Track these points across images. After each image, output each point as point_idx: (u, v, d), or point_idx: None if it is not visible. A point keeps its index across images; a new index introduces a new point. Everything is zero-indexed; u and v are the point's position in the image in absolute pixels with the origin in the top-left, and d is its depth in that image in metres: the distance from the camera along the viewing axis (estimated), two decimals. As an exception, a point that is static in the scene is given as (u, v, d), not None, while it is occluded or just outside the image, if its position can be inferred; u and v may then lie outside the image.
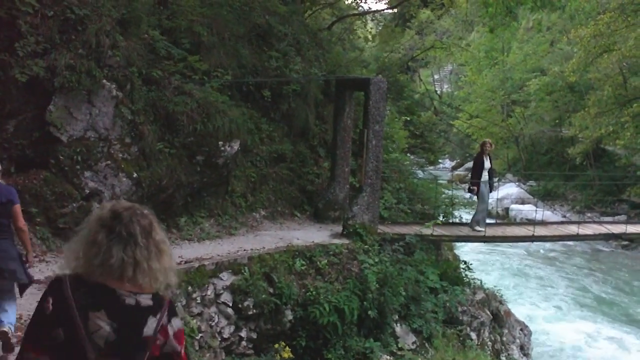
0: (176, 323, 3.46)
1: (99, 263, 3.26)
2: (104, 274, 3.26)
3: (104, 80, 12.97)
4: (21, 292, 8.12)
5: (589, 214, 36.23)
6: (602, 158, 42.01)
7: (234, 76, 16.74)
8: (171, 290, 3.50)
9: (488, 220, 18.62)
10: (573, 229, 19.34)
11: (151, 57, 14.56)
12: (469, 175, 19.43)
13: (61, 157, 12.59)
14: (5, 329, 7.76)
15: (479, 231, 17.74)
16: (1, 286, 7.90)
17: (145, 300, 3.33)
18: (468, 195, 22.16)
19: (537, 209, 28.32)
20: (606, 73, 37.72)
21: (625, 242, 32.10)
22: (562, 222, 23.21)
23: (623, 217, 30.84)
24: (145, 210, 3.47)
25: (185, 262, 12.38)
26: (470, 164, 50.61)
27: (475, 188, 17.53)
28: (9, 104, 12.36)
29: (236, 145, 15.26)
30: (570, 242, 30.94)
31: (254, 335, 13.01)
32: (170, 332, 3.42)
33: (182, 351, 3.49)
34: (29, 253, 8.21)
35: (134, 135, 13.52)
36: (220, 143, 14.84)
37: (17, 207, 7.94)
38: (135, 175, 13.38)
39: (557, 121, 46.36)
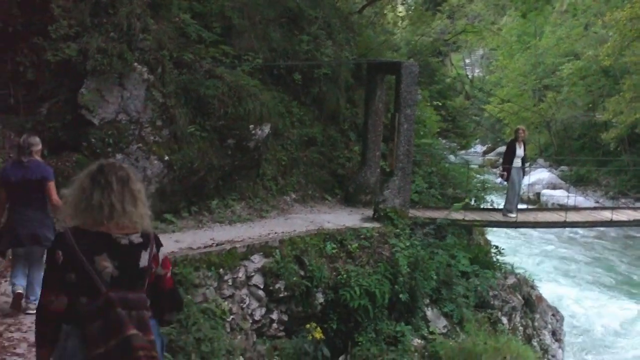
0: (162, 252, 4.35)
1: (84, 207, 4.08)
2: (92, 220, 4.07)
3: (136, 64, 13.02)
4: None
5: (622, 200, 35.85)
6: (637, 143, 41.40)
7: (265, 60, 16.71)
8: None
9: (520, 206, 18.45)
10: (606, 215, 19.08)
11: (182, 40, 14.57)
12: (500, 160, 19.29)
13: (93, 140, 12.69)
14: (20, 291, 8.72)
15: (511, 217, 17.60)
16: (35, 253, 8.83)
17: (136, 238, 4.17)
18: (499, 180, 22.03)
19: (569, 195, 27.97)
20: (642, 57, 37.12)
21: (661, 229, 31.71)
22: (595, 208, 22.90)
23: (658, 203, 30.44)
24: (125, 165, 4.35)
25: (217, 245, 12.44)
26: (501, 149, 50.33)
27: (505, 174, 17.38)
28: (42, 86, 12.50)
29: (267, 129, 15.26)
30: (603, 228, 30.55)
31: (285, 318, 13.04)
32: (160, 259, 4.33)
33: (169, 274, 4.43)
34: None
35: (165, 118, 13.57)
36: (251, 126, 14.84)
37: (51, 184, 8.76)
38: (166, 157, 13.43)
39: (590, 106, 45.75)
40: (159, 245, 4.32)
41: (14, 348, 7.37)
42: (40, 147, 9.07)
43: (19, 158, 8.83)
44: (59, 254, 4.03)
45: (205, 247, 12.26)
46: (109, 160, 4.38)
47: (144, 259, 4.16)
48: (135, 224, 4.18)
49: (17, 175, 8.64)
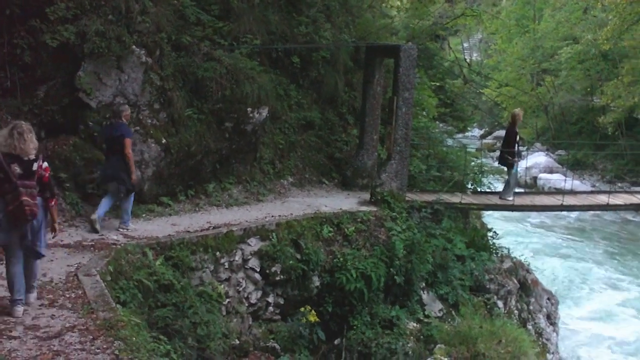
0: (45, 164, 8.17)
1: (6, 144, 7.84)
2: (11, 149, 7.82)
3: (134, 46, 13.01)
4: (126, 196, 12.03)
5: (619, 184, 35.91)
6: (634, 127, 41.40)
7: (263, 42, 16.67)
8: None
9: (516, 189, 18.48)
10: (603, 199, 19.12)
11: (180, 23, 14.53)
12: (497, 144, 19.29)
13: (90, 123, 12.72)
14: (94, 217, 11.73)
15: (508, 200, 17.64)
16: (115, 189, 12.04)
17: (32, 157, 7.98)
18: (496, 163, 22.03)
19: (566, 179, 28.01)
20: (642, 40, 37.02)
21: (656, 213, 31.84)
22: (591, 192, 22.91)
23: (654, 188, 30.49)
24: (24, 123, 8.14)
25: (214, 228, 12.49)
26: (498, 133, 50.32)
27: (510, 158, 17.30)
28: (40, 69, 12.47)
29: (265, 112, 15.26)
30: (600, 212, 30.63)
31: (281, 301, 13.12)
32: (43, 167, 8.11)
33: (47, 174, 8.15)
34: (133, 173, 12.02)
35: (162, 101, 13.58)
36: (249, 109, 14.84)
37: (127, 141, 11.85)
38: (164, 141, 13.45)
39: (588, 90, 45.69)
40: (44, 160, 8.19)
41: (10, 331, 7.41)
42: (128, 112, 12.30)
43: (111, 121, 12.27)
44: None
45: (202, 230, 12.31)
46: (17, 122, 8.17)
47: (35, 166, 7.99)
48: (30, 150, 7.93)
49: (107, 133, 12.06)
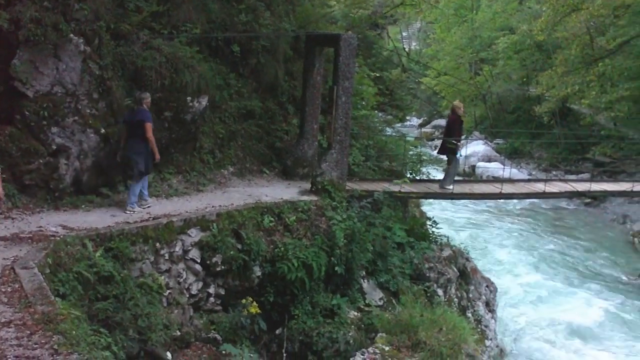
0: None
1: None
2: None
3: (71, 35, 12.76)
4: (137, 177, 13.02)
5: (554, 172, 36.69)
6: (567, 117, 42.35)
7: (203, 31, 16.51)
8: None
9: (455, 178, 18.74)
10: (540, 187, 19.56)
11: (119, 11, 14.32)
12: (436, 133, 19.53)
13: (27, 113, 12.45)
14: (130, 208, 12.85)
15: (447, 189, 17.87)
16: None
17: None
18: (435, 152, 22.32)
19: (504, 167, 28.51)
20: (574, 32, 37.78)
21: (588, 200, 32.63)
22: (529, 180, 23.44)
23: (586, 175, 31.28)
24: None
25: (153, 219, 12.40)
26: (437, 122, 50.83)
27: (453, 147, 17.54)
28: (-29, 56, 12.15)
29: (204, 101, 15.16)
30: (536, 200, 31.31)
31: (222, 292, 13.09)
32: None
33: None
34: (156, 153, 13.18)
35: (101, 90, 13.39)
36: (189, 99, 14.74)
37: (148, 125, 12.92)
38: (102, 131, 13.30)
39: (524, 80, 46.58)
40: None
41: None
42: (149, 99, 13.23)
43: (133, 106, 13.27)
44: None
45: (141, 221, 12.20)
46: None
47: None
48: None
49: (128, 118, 13.15)
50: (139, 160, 12.96)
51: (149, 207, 13.16)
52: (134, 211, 12.77)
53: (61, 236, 10.71)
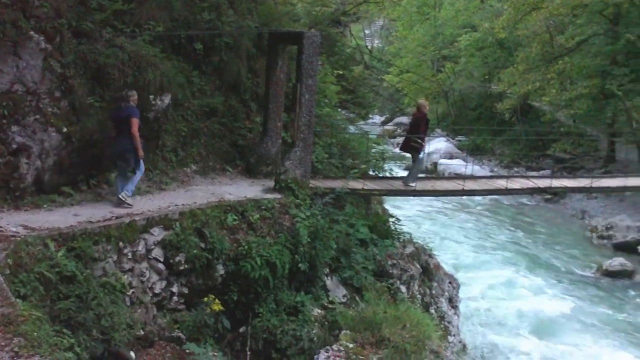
0: None
1: None
2: None
3: (32, 32, 12.62)
4: (132, 174, 13.58)
5: (515, 169, 37.18)
6: (528, 114, 42.91)
7: (166, 29, 16.44)
8: None
9: (418, 175, 18.88)
10: (502, 183, 19.78)
11: (81, 9, 14.16)
12: (398, 130, 19.68)
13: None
14: (120, 196, 13.13)
15: (410, 185, 18.00)
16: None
17: None
18: (397, 150, 22.47)
19: (466, 164, 28.79)
20: (534, 30, 38.35)
21: (548, 196, 33.10)
22: (491, 177, 23.69)
23: (547, 172, 31.79)
24: None
25: (116, 218, 12.33)
26: (399, 119, 51.05)
27: (417, 145, 17.69)
28: None
29: (167, 99, 15.12)
30: (498, 196, 31.71)
31: (186, 291, 13.06)
32: None
33: None
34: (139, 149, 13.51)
35: (63, 89, 13.26)
36: (151, 97, 14.69)
37: (134, 120, 13.32)
38: (64, 129, 13.17)
39: (486, 77, 47.07)
40: None
41: None
42: (136, 97, 13.62)
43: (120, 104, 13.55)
44: None
45: (104, 220, 12.11)
46: None
47: None
48: None
49: (115, 115, 13.53)
50: (130, 159, 13.46)
51: (125, 199, 13.29)
52: (126, 199, 13.19)
53: (22, 236, 10.58)
